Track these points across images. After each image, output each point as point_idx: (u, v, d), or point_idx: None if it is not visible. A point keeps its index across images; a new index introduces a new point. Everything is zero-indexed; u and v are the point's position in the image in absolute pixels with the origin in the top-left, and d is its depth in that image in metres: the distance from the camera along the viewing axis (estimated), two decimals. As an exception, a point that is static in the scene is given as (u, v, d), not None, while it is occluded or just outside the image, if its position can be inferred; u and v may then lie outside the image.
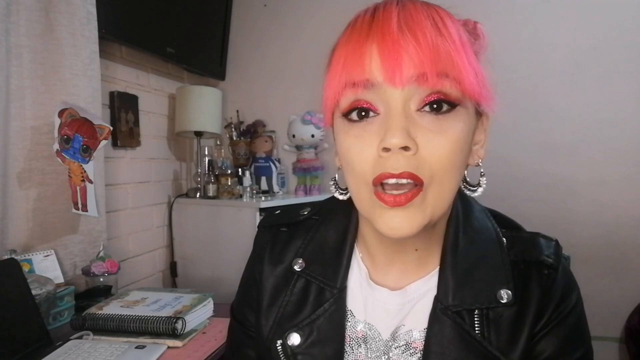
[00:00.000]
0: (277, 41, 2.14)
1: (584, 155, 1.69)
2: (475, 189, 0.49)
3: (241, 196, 1.85)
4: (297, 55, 2.09)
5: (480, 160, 0.48)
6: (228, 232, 1.76)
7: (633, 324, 1.58)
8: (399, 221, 0.41)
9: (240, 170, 1.97)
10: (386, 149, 0.40)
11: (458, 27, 0.42)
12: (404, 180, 0.40)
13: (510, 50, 1.74)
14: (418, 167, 0.40)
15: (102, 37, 1.38)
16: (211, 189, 1.85)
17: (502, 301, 0.46)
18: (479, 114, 0.47)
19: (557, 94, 1.72)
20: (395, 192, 0.41)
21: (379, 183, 0.41)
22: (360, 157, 0.42)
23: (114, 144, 1.60)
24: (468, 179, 0.50)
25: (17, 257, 1.07)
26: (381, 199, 0.41)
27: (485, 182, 0.49)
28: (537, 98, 1.74)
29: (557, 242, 0.52)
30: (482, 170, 0.49)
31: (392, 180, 0.40)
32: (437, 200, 0.42)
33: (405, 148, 0.39)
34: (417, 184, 0.41)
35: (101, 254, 1.32)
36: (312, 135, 1.92)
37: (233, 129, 2.07)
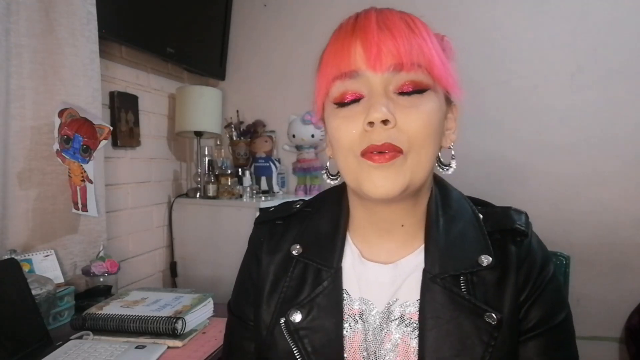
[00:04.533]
0: (277, 41, 2.14)
1: (584, 155, 1.69)
2: (447, 168, 0.56)
3: (241, 196, 1.85)
4: (297, 55, 2.09)
5: (452, 144, 0.56)
6: (228, 232, 1.76)
7: (633, 324, 1.58)
8: (382, 179, 0.48)
9: (240, 170, 1.97)
10: (370, 123, 0.47)
11: (427, 29, 0.50)
12: (386, 151, 0.47)
13: (510, 50, 1.74)
14: (397, 138, 0.47)
15: (102, 37, 1.38)
16: (211, 189, 1.85)
17: (483, 265, 0.52)
18: (449, 102, 0.54)
19: (557, 94, 1.72)
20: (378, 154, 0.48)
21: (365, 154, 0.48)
22: (347, 132, 0.49)
23: (114, 144, 1.60)
24: (442, 159, 0.56)
25: (17, 257, 1.07)
26: (368, 158, 0.48)
27: (455, 164, 0.56)
28: (537, 98, 1.74)
29: (526, 214, 0.58)
30: (453, 154, 0.56)
31: (376, 152, 0.48)
32: (415, 166, 0.49)
33: (385, 122, 0.46)
34: (398, 152, 0.48)
35: (101, 254, 1.32)
36: (312, 135, 1.92)
37: (233, 129, 2.07)
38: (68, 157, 1.21)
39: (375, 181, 0.48)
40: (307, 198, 0.69)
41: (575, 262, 1.46)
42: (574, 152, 1.70)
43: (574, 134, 1.70)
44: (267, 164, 1.98)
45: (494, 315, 0.50)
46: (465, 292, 0.51)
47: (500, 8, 1.76)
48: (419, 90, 0.48)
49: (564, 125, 1.71)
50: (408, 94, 0.48)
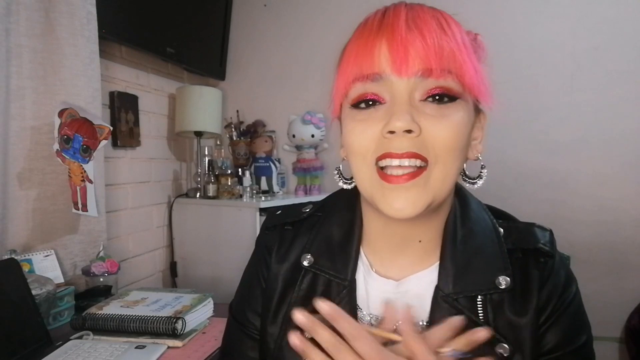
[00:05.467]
0: (277, 41, 2.14)
1: (584, 155, 1.69)
2: (475, 181, 0.51)
3: (241, 196, 1.85)
4: (297, 55, 2.09)
5: (479, 155, 0.51)
6: (228, 232, 1.76)
7: (633, 324, 1.58)
8: (402, 202, 0.44)
9: (240, 170, 1.97)
10: (391, 132, 0.42)
11: (461, 29, 0.46)
12: (407, 162, 0.43)
13: (510, 50, 1.74)
14: (422, 147, 0.43)
15: (102, 37, 1.38)
16: (211, 189, 1.85)
17: (500, 287, 0.48)
18: (477, 110, 0.49)
19: (557, 93, 1.72)
20: (397, 172, 0.43)
21: (381, 163, 0.44)
22: (362, 136, 0.45)
23: (114, 144, 1.60)
24: (467, 172, 0.52)
25: (17, 257, 1.07)
26: (384, 178, 0.44)
27: (485, 173, 0.51)
28: (537, 98, 1.74)
29: (551, 231, 0.54)
30: (482, 163, 0.51)
31: (395, 162, 0.43)
32: (440, 181, 0.44)
33: (409, 131, 0.42)
34: (423, 162, 0.43)
35: (101, 254, 1.32)
36: (312, 135, 1.92)
37: (233, 129, 2.07)
38: (68, 157, 1.21)
39: (392, 203, 0.44)
40: (307, 199, 0.66)
41: (575, 262, 1.46)
42: (574, 152, 1.70)
43: (574, 134, 1.70)
44: (267, 164, 1.98)
45: (506, 346, 0.47)
46: (481, 316, 0.48)
47: (500, 8, 1.77)
48: (447, 95, 0.44)
49: (564, 125, 1.71)
50: (436, 100, 0.44)
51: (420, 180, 0.43)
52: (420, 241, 0.51)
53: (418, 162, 0.43)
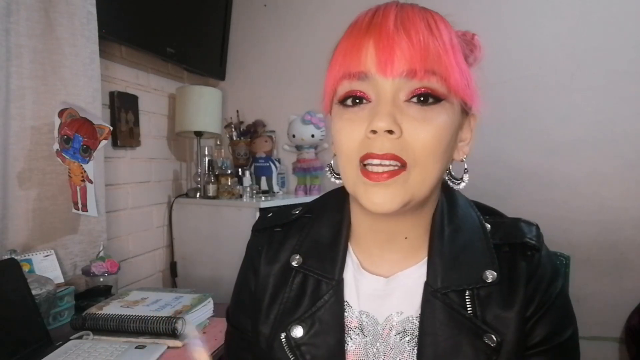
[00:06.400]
0: (277, 41, 2.14)
1: (584, 155, 1.69)
2: (459, 182, 0.53)
3: (241, 196, 1.85)
4: (297, 55, 2.09)
5: (464, 157, 0.52)
6: (228, 232, 1.76)
7: (633, 324, 1.58)
8: (381, 197, 0.45)
9: (240, 170, 1.97)
10: (373, 131, 0.44)
11: (450, 31, 0.46)
12: (387, 162, 0.44)
13: (511, 50, 1.74)
14: (402, 149, 0.44)
15: (102, 37, 1.38)
16: (211, 189, 1.85)
17: (487, 281, 0.50)
18: (466, 112, 0.50)
19: (557, 94, 1.72)
20: (378, 169, 0.45)
21: (364, 162, 0.45)
22: (349, 137, 0.46)
23: (114, 144, 1.60)
24: (453, 173, 0.53)
25: (17, 257, 1.07)
26: (365, 175, 0.45)
27: (467, 178, 0.52)
28: (537, 98, 1.74)
29: (537, 226, 0.56)
30: (465, 167, 0.52)
31: (376, 161, 0.44)
32: (419, 183, 0.46)
33: (390, 132, 0.43)
34: (401, 164, 0.44)
35: (101, 254, 1.32)
36: (312, 135, 1.92)
37: (233, 129, 2.07)
38: (68, 157, 1.21)
39: (373, 198, 0.45)
40: (307, 199, 0.67)
41: (575, 262, 1.46)
42: (574, 152, 1.70)
43: (574, 134, 1.70)
44: (267, 164, 1.98)
45: (493, 337, 0.48)
46: (469, 309, 0.49)
47: (501, 8, 1.76)
48: (432, 96, 0.44)
49: (564, 125, 1.71)
50: (420, 101, 0.44)
51: (400, 179, 0.45)
52: (406, 238, 0.53)
53: (398, 163, 0.44)
